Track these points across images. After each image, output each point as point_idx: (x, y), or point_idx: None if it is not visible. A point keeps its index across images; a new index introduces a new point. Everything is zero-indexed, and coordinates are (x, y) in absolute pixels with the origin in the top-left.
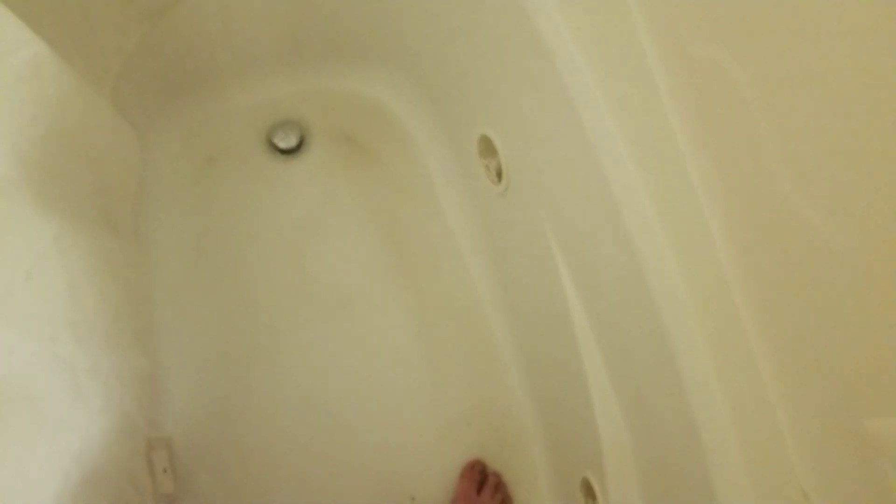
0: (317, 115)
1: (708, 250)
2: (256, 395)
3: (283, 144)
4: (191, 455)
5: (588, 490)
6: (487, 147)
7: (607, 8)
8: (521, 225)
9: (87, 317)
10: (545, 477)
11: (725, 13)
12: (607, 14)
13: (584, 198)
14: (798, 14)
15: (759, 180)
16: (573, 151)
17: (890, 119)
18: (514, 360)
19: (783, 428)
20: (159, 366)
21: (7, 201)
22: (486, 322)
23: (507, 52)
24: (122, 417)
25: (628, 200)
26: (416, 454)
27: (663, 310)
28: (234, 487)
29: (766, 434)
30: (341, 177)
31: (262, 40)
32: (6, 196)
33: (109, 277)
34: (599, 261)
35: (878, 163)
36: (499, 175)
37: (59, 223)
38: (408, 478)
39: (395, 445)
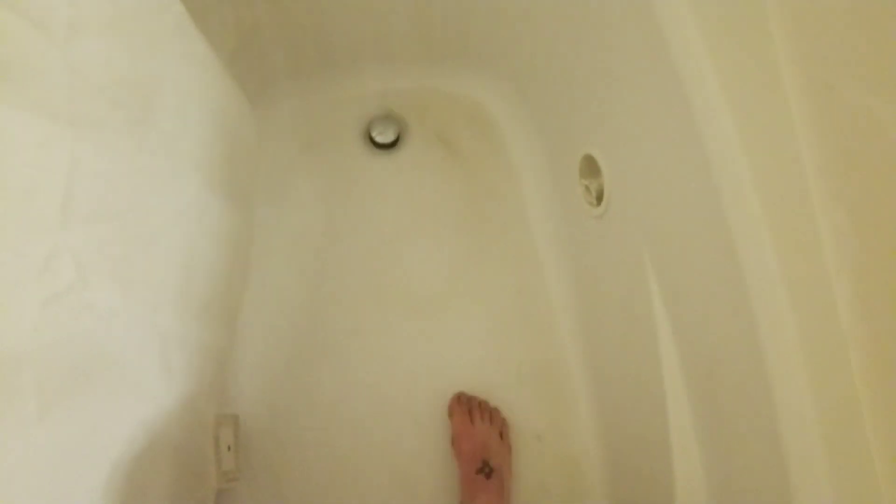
0: (416, 114)
1: (829, 310)
2: (324, 386)
3: (380, 139)
4: (252, 437)
5: None
6: (590, 167)
7: (748, 31)
8: (614, 249)
9: (192, 290)
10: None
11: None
12: (747, 37)
13: (695, 232)
14: None
15: None
16: (691, 182)
17: None
18: (586, 385)
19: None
20: (235, 344)
21: (152, 157)
22: (560, 343)
23: (629, 69)
24: (196, 392)
25: (746, 241)
26: None
27: (771, 365)
28: (293, 473)
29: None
30: (432, 178)
31: (376, 33)
32: (153, 153)
33: (224, 253)
34: (703, 297)
35: None
36: (598, 198)
37: (192, 192)
38: None
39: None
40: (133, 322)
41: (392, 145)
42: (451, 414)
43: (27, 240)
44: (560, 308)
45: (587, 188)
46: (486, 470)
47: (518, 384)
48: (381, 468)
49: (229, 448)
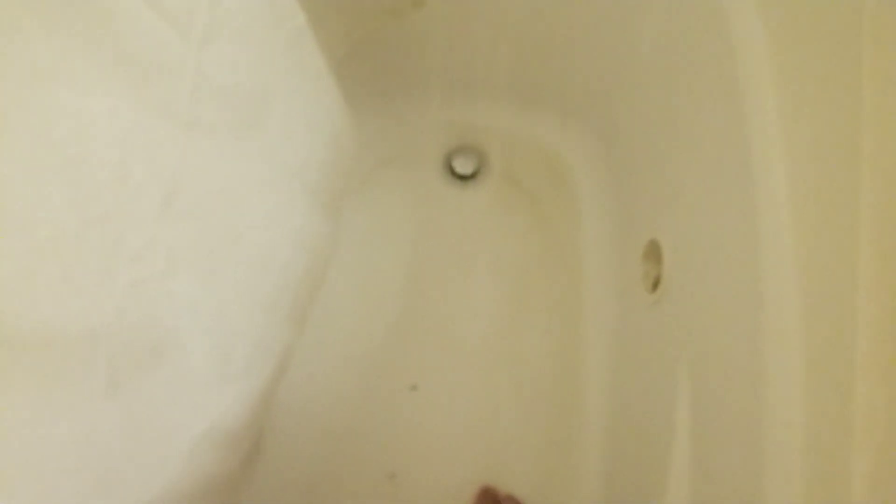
0: (498, 152)
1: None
2: (365, 405)
3: (459, 169)
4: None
5: None
6: (653, 252)
7: (836, 158)
8: (656, 340)
9: (283, 293)
10: None
11: None
12: (833, 165)
13: (736, 354)
14: None
15: None
16: (742, 300)
17: None
18: (600, 466)
19: None
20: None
21: (254, 162)
22: (584, 419)
23: (712, 166)
24: (262, 388)
25: (778, 378)
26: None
27: None
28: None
29: None
30: (499, 218)
31: (475, 67)
32: (255, 158)
33: (304, 258)
34: (729, 423)
35: None
36: (655, 285)
37: (285, 198)
38: None
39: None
40: (206, 314)
41: (469, 178)
42: None
43: (128, 229)
44: (591, 385)
45: (646, 273)
46: None
47: (535, 458)
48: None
49: None
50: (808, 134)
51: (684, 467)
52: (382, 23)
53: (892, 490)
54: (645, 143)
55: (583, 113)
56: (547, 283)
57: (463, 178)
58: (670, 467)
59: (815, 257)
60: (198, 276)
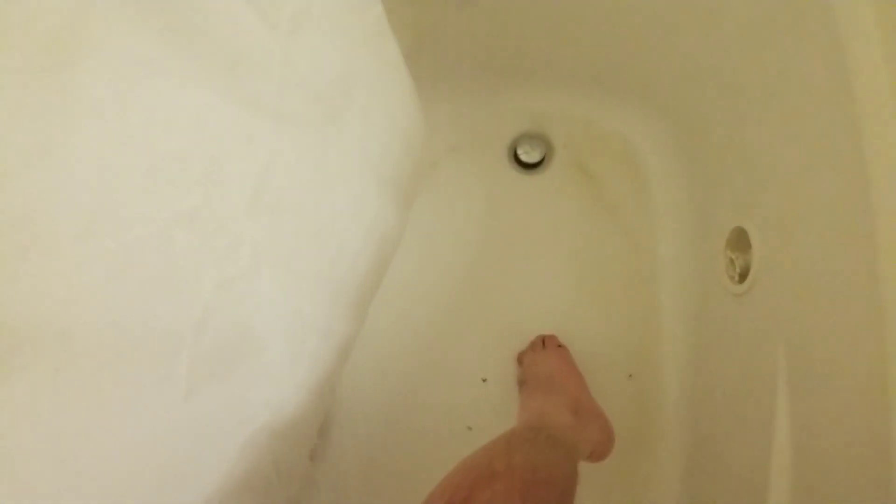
0: (565, 140)
1: None
2: (417, 403)
3: (525, 157)
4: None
5: None
6: (740, 240)
7: None
8: (748, 333)
9: (350, 284)
10: None
11: None
12: None
13: (844, 339)
14: None
15: None
16: (850, 285)
17: None
18: (685, 460)
19: None
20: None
21: (335, 154)
22: (664, 415)
23: (809, 146)
24: (322, 379)
25: None
26: None
27: None
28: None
29: None
30: (567, 206)
31: (550, 55)
32: (336, 150)
33: (373, 249)
34: (836, 415)
35: None
36: (742, 275)
37: (360, 190)
38: None
39: None
40: (284, 311)
41: (536, 166)
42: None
43: (217, 227)
44: (671, 380)
45: (732, 261)
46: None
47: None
48: None
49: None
50: None
51: (786, 465)
52: (448, 10)
53: None
54: (727, 128)
55: (655, 99)
56: (620, 273)
57: (530, 165)
58: (770, 466)
59: None
60: (279, 273)
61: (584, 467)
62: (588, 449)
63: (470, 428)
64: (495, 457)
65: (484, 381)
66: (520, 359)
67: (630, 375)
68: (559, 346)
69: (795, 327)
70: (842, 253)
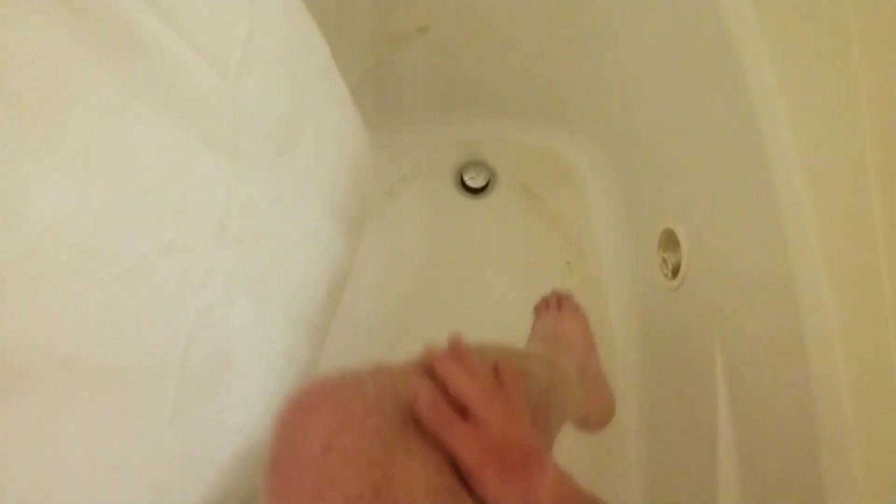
0: (507, 164)
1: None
2: None
3: (471, 183)
4: None
5: None
6: (669, 241)
7: (841, 128)
8: (685, 321)
9: (312, 312)
10: None
11: None
12: (839, 133)
13: (766, 318)
14: None
15: None
16: (767, 267)
17: None
18: (637, 442)
19: None
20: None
21: (288, 186)
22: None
23: (719, 152)
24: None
25: (815, 331)
26: None
27: (826, 454)
28: None
29: None
30: (514, 225)
31: (488, 86)
32: (289, 182)
33: (330, 276)
34: (766, 382)
35: None
36: (674, 271)
37: (315, 219)
38: None
39: None
40: (259, 336)
41: (482, 190)
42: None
43: (192, 257)
44: (622, 367)
45: (664, 260)
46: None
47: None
48: None
49: None
50: (812, 109)
51: (730, 445)
52: (391, 49)
53: None
54: (649, 141)
55: (586, 121)
56: (567, 281)
57: (475, 190)
58: (717, 446)
59: (835, 224)
60: (251, 300)
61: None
62: (584, 413)
63: None
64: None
65: None
66: (537, 309)
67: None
68: (576, 308)
69: (726, 314)
70: (757, 242)
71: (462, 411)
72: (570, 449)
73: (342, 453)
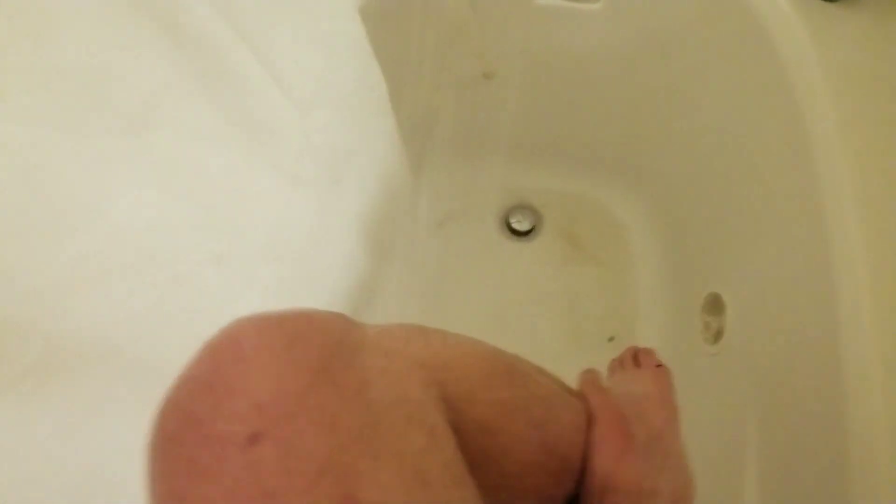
0: (554, 211)
1: None
2: None
3: (517, 226)
4: None
5: None
6: (715, 304)
7: None
8: (721, 390)
9: None
10: None
11: None
12: None
13: (808, 403)
14: None
15: None
16: (815, 349)
17: None
18: None
19: None
20: None
21: (333, 214)
22: None
23: (775, 219)
24: None
25: (860, 425)
26: None
27: None
28: None
29: None
30: (555, 272)
31: (540, 132)
32: (334, 211)
33: (364, 299)
34: (802, 467)
35: None
36: (716, 336)
37: (350, 247)
38: None
39: None
40: None
41: (526, 234)
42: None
43: (238, 269)
44: None
45: (707, 325)
46: None
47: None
48: None
49: None
50: (880, 185)
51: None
52: (457, 92)
53: None
54: (702, 201)
55: (641, 179)
56: (603, 334)
57: (519, 233)
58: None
59: (890, 306)
60: None
61: None
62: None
63: None
64: None
65: None
66: (612, 368)
67: None
68: (658, 365)
69: (766, 389)
70: (807, 320)
71: None
72: None
73: (280, 448)
